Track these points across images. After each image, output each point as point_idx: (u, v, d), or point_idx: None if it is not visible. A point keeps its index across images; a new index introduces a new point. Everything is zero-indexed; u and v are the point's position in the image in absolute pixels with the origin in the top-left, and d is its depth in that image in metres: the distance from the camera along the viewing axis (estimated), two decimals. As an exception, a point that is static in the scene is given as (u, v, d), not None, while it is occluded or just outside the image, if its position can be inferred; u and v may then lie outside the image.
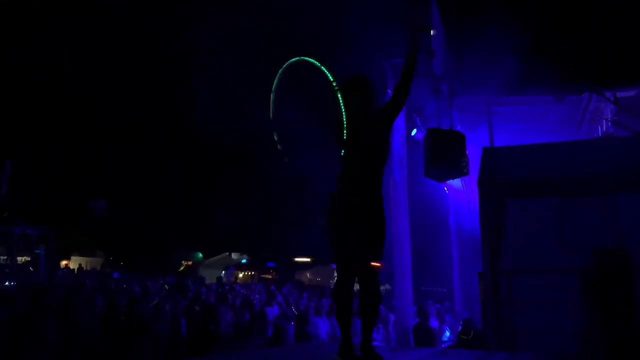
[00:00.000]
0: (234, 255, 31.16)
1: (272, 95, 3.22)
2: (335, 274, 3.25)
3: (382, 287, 3.35)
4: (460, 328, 8.09)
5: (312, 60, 3.13)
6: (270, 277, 28.72)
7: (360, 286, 3.23)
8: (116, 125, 30.00)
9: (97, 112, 29.27)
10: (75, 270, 22.44)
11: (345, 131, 3.04)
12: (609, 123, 8.90)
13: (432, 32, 9.31)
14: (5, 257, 21.94)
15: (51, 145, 28.59)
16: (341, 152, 3.16)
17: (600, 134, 9.64)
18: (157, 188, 30.84)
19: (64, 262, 26.53)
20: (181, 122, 30.17)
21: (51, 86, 27.44)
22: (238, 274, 29.15)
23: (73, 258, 29.05)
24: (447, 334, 9.77)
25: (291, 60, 3.21)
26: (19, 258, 23.00)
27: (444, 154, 7.74)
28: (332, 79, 3.08)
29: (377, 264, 3.13)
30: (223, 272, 28.38)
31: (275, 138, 3.18)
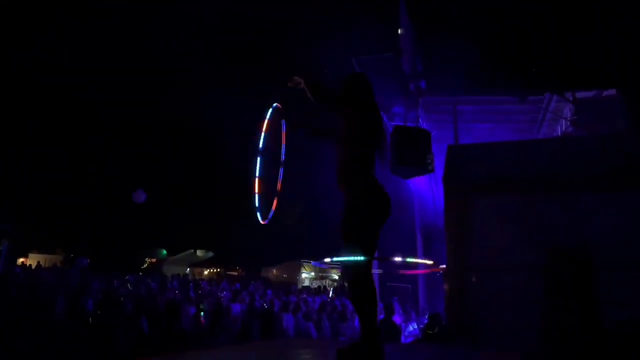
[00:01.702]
0: (199, 252, 30.77)
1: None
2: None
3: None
4: (425, 323, 8.20)
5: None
6: (236, 274, 28.48)
7: None
8: (79, 122, 29.24)
9: (74, 110, 28.48)
10: (33, 266, 21.74)
11: None
12: (568, 123, 9.17)
13: (399, 31, 9.41)
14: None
15: (9, 137, 27.61)
16: None
17: (559, 134, 9.93)
18: (120, 184, 30.14)
19: (20, 260, 25.65)
20: (147, 120, 29.65)
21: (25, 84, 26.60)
22: (202, 272, 28.84)
23: (31, 255, 28.14)
24: (411, 328, 9.88)
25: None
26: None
27: (409, 152, 7.82)
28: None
29: (344, 258, 3.13)
30: (188, 269, 28.01)
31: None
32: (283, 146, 3.69)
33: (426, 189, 12.71)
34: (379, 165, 3.44)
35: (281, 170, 3.63)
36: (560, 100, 9.20)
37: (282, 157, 3.66)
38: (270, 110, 3.59)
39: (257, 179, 3.50)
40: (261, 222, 3.50)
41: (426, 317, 9.15)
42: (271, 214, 3.51)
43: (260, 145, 3.54)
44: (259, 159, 3.53)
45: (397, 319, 9.44)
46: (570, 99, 8.82)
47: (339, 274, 27.01)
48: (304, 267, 27.39)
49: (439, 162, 8.06)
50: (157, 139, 31.61)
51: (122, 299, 7.97)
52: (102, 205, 29.95)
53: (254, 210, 3.47)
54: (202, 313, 8.20)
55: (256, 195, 3.49)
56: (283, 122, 3.68)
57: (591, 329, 4.06)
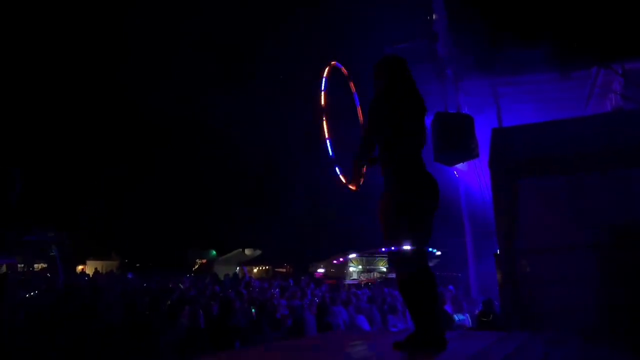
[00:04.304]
0: (248, 251, 31.26)
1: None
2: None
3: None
4: (478, 310, 8.08)
5: None
6: (284, 270, 28.83)
7: None
8: (126, 125, 30.19)
9: (106, 112, 29.46)
10: (91, 274, 22.64)
11: None
12: (618, 97, 8.79)
13: (433, 16, 9.27)
14: (22, 265, 22.17)
15: (58, 149, 28.82)
16: None
17: (609, 109, 9.53)
18: (168, 188, 31.01)
19: (80, 267, 26.75)
20: (189, 122, 30.28)
21: (57, 88, 27.64)
22: (252, 270, 29.29)
23: (89, 262, 29.28)
24: (457, 318, 9.66)
25: None
26: (35, 265, 23.27)
27: (453, 138, 7.70)
28: None
29: (392, 247, 3.07)
30: (237, 268, 28.55)
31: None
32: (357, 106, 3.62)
33: (472, 176, 12.49)
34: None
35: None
36: (608, 73, 8.83)
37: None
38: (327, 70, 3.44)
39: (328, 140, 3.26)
40: (352, 188, 3.32)
41: (479, 304, 9.00)
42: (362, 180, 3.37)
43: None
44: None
45: (448, 308, 9.34)
46: (620, 71, 8.45)
47: (387, 266, 26.91)
48: (352, 261, 27.43)
49: (483, 146, 7.90)
50: (202, 142, 32.28)
51: (169, 303, 8.22)
52: (152, 210, 30.86)
53: (333, 169, 3.26)
54: (252, 310, 8.37)
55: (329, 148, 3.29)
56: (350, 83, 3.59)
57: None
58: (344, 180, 3.32)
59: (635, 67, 8.38)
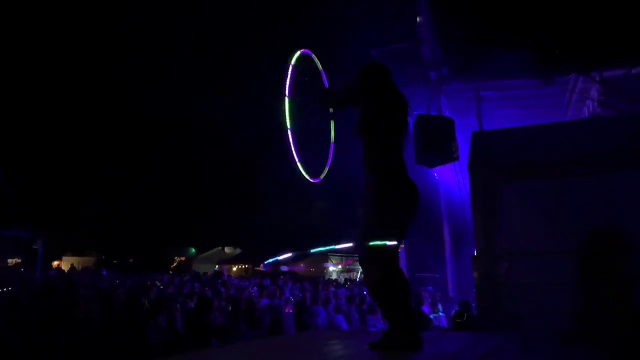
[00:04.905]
0: (227, 249, 31.07)
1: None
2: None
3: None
4: (454, 311, 8.14)
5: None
6: (264, 269, 28.72)
7: None
8: (105, 123, 29.83)
9: (86, 110, 29.07)
10: (66, 270, 22.24)
11: None
12: (596, 104, 8.96)
13: (418, 19, 9.34)
14: (-4, 260, 21.75)
15: (39, 145, 28.36)
16: None
17: (587, 115, 9.71)
18: (147, 185, 30.69)
19: (55, 263, 26.32)
20: (170, 119, 30.04)
21: (37, 85, 27.18)
22: (231, 268, 29.16)
23: (65, 258, 28.81)
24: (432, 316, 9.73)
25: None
26: (9, 260, 22.85)
27: (434, 140, 7.77)
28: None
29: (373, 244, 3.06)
30: (217, 266, 28.36)
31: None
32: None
33: (452, 179, 12.60)
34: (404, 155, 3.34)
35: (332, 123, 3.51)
36: (586, 80, 8.99)
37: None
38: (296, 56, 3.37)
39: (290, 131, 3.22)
40: (310, 179, 3.32)
41: (456, 305, 9.08)
42: (327, 168, 3.39)
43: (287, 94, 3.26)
44: (287, 106, 3.25)
45: (426, 309, 9.40)
46: (597, 79, 8.61)
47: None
48: (331, 260, 27.48)
49: (463, 150, 7.97)
50: (181, 140, 32.04)
51: (146, 300, 8.12)
52: (130, 207, 30.53)
53: (298, 168, 3.24)
54: (230, 308, 8.32)
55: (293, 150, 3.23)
56: (322, 71, 3.55)
57: (630, 310, 3.98)
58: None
59: (613, 74, 8.56)
